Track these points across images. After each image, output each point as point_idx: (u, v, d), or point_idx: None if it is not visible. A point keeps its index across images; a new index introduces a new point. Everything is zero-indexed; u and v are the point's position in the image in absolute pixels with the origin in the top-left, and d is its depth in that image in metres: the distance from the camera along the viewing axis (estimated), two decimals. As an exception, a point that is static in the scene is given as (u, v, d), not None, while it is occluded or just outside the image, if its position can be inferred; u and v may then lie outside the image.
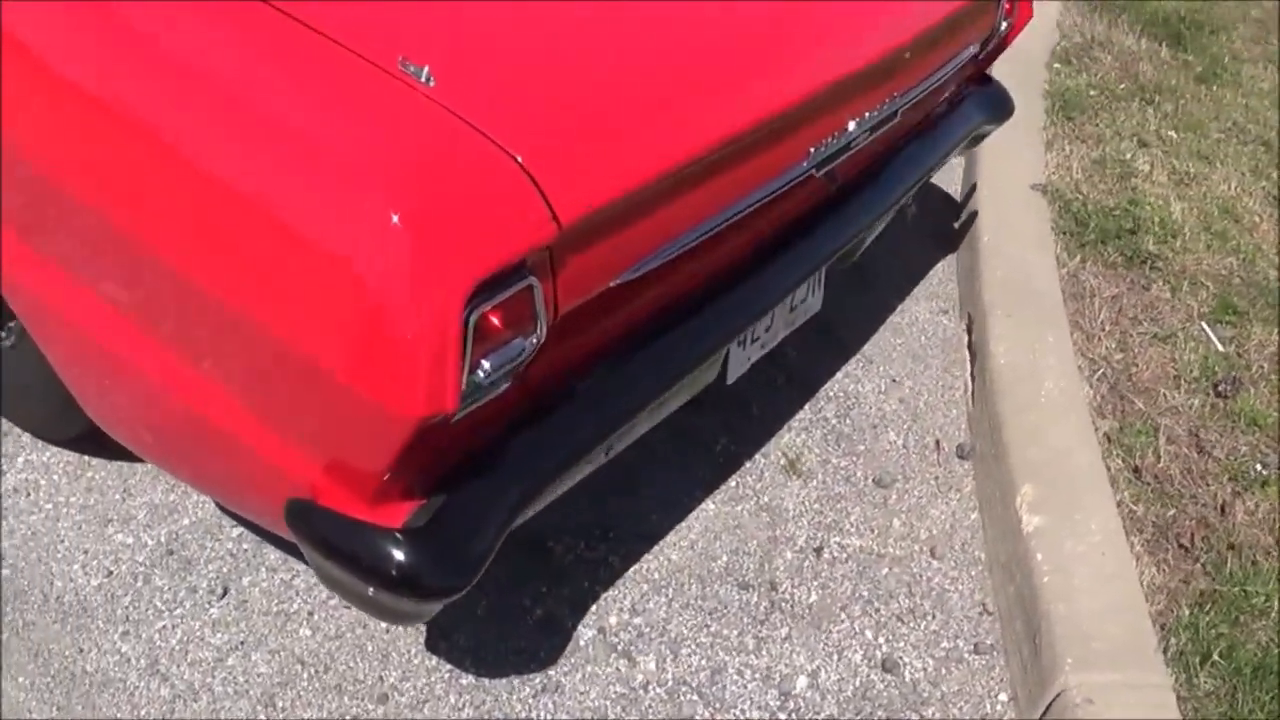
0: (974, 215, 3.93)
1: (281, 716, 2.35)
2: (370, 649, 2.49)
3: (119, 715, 2.31)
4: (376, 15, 1.92)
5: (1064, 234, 3.83)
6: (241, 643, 2.47)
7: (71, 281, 2.09)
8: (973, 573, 2.90)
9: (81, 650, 2.42)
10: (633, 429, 2.25)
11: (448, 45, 1.90)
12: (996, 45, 3.27)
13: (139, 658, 2.42)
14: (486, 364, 1.69)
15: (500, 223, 1.67)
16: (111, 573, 2.57)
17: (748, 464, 3.11)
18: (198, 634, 2.47)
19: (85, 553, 2.60)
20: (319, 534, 1.86)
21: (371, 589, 1.81)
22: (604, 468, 2.82)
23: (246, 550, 2.65)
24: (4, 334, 2.61)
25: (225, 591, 2.56)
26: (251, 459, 1.94)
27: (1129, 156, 4.32)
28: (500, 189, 1.70)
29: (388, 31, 1.87)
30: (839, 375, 3.47)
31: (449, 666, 2.48)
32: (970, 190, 4.13)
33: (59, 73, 1.90)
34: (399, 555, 1.78)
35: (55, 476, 2.76)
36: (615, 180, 1.84)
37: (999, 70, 4.89)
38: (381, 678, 2.44)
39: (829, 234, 2.66)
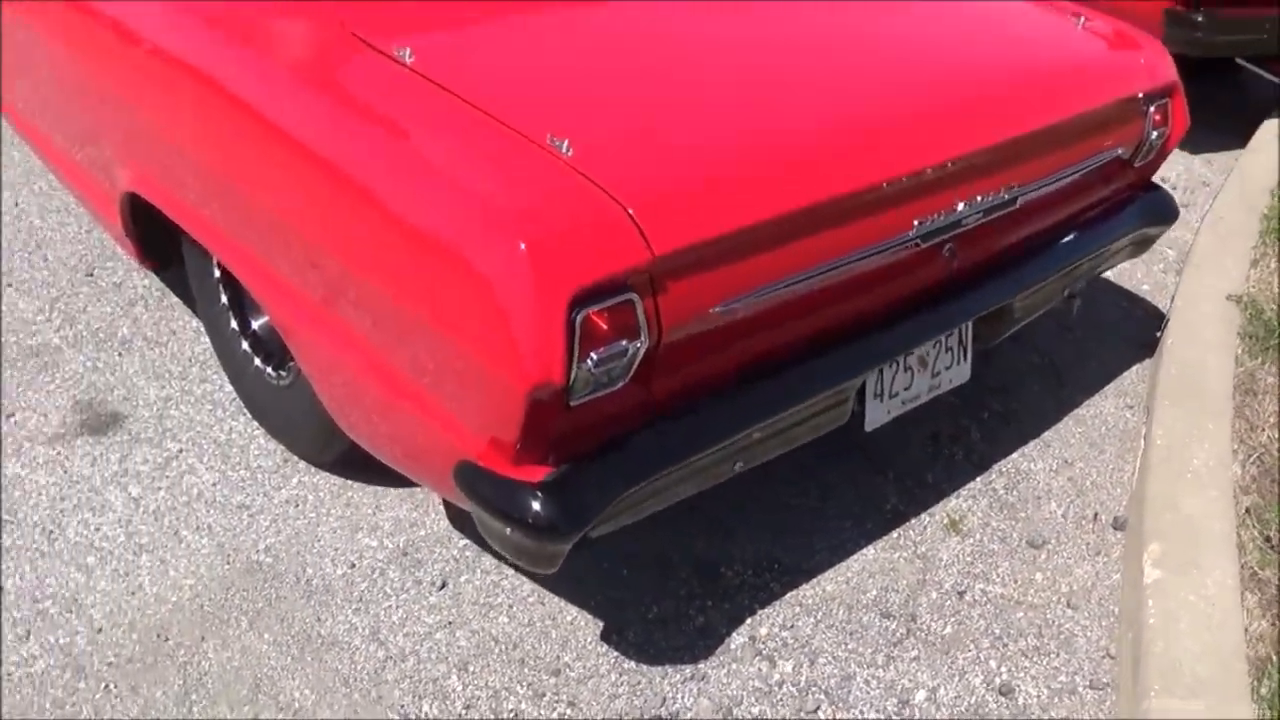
0: (1167, 322, 4.21)
1: (470, 678, 2.88)
2: (554, 636, 3.01)
3: (339, 667, 2.90)
4: (538, 103, 2.56)
5: (1249, 338, 4.06)
6: (449, 623, 3.03)
7: (335, 322, 2.76)
8: (1104, 623, 3.18)
9: (319, 619, 3.03)
10: (753, 450, 2.71)
11: (588, 121, 2.51)
12: (1155, 153, 3.56)
13: (364, 627, 3.00)
14: (594, 355, 2.24)
15: (604, 251, 2.25)
16: (354, 565, 3.19)
17: (913, 520, 3.49)
18: (415, 614, 3.05)
19: (335, 550, 3.23)
20: (475, 486, 2.43)
21: (509, 529, 2.36)
22: (781, 511, 3.31)
23: (469, 556, 3.22)
24: (284, 373, 3.31)
25: (444, 585, 3.14)
26: (433, 434, 2.54)
27: (1332, 273, 4.50)
28: (607, 227, 2.28)
29: (544, 114, 2.49)
30: (1015, 455, 3.80)
31: (616, 654, 2.97)
32: (1171, 300, 4.42)
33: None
34: (528, 503, 2.33)
35: (321, 493, 3.42)
36: (707, 225, 2.37)
37: (1227, 193, 5.19)
38: (558, 656, 2.95)
39: (955, 307, 3.05)
